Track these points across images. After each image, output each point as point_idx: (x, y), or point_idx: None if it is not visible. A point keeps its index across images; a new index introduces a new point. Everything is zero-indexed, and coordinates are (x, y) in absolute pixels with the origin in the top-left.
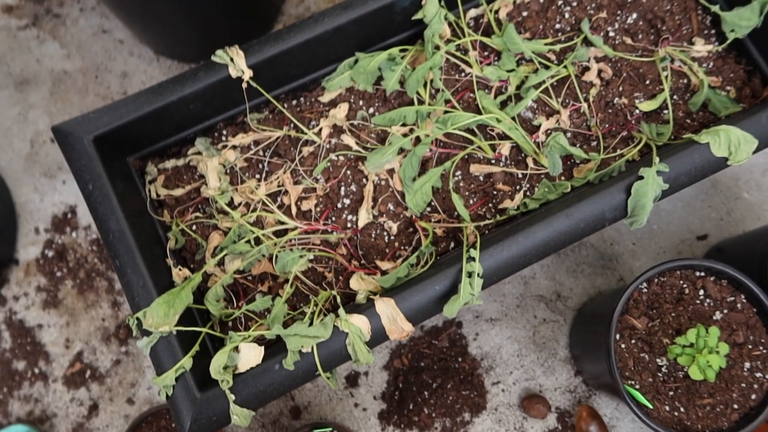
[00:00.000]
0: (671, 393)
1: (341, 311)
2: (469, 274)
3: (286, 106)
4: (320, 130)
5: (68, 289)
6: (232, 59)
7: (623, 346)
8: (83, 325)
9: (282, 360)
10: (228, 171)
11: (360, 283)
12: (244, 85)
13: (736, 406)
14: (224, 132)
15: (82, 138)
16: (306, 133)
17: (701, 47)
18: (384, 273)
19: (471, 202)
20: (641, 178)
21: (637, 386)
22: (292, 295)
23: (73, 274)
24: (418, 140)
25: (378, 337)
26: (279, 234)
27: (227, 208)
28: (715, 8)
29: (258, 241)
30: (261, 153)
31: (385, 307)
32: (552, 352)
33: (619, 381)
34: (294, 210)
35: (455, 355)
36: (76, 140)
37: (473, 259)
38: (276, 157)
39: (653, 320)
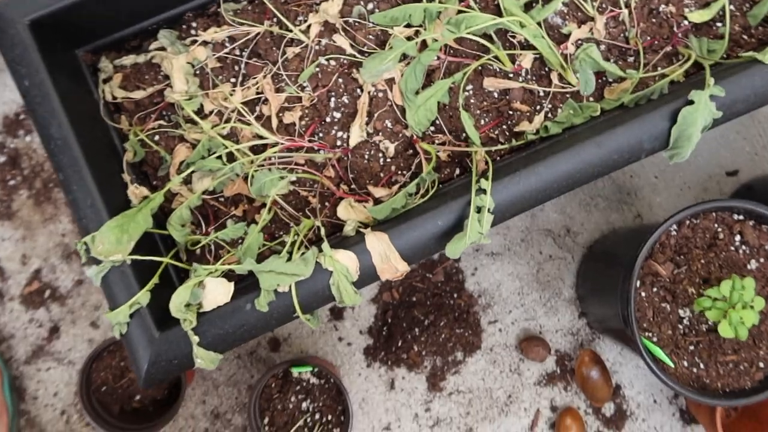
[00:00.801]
0: (691, 348)
1: (325, 245)
2: (478, 209)
3: None
4: (308, 27)
5: (23, 199)
6: None
7: (643, 294)
8: (41, 241)
9: (255, 300)
10: (197, 72)
11: (349, 212)
12: None
13: (761, 365)
14: (193, 24)
15: (16, 21)
16: (291, 31)
17: None
18: (377, 201)
19: (482, 122)
20: (690, 102)
21: (655, 339)
22: (270, 222)
23: (29, 184)
24: (424, 45)
25: (367, 276)
26: (256, 150)
27: (195, 117)
28: None
29: (231, 157)
30: (237, 52)
31: (378, 243)
32: (556, 291)
33: (636, 333)
34: (275, 122)
35: (450, 290)
36: (8, 24)
37: (484, 191)
38: (255, 58)
39: (679, 267)
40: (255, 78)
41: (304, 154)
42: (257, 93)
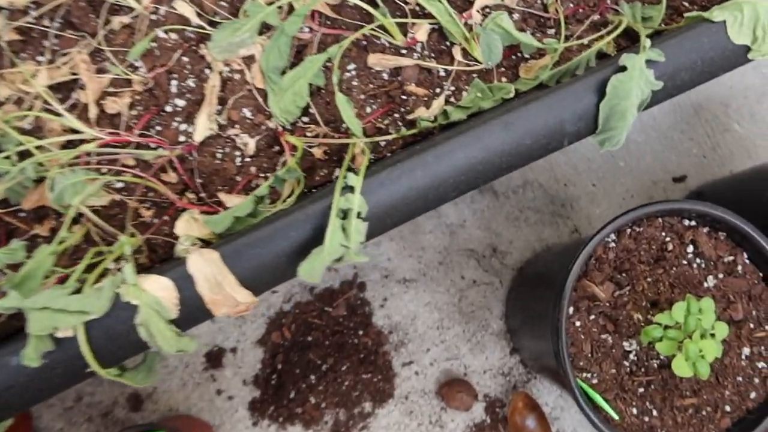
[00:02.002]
0: (641, 390)
1: (128, 269)
2: (344, 214)
3: None
4: None
5: None
6: None
7: (578, 323)
8: None
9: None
10: None
11: (190, 227)
12: None
13: (728, 408)
14: None
15: None
16: None
17: None
18: None
19: (368, 110)
20: (623, 69)
21: (595, 380)
22: (85, 242)
23: None
24: (290, 11)
25: (194, 312)
26: (70, 149)
27: None
28: None
29: (25, 155)
30: (44, 21)
31: (204, 265)
32: (482, 323)
33: (570, 374)
34: (93, 112)
35: (355, 326)
36: None
37: (350, 189)
38: (69, 30)
39: (622, 288)
40: (68, 55)
41: (132, 151)
42: (71, 74)
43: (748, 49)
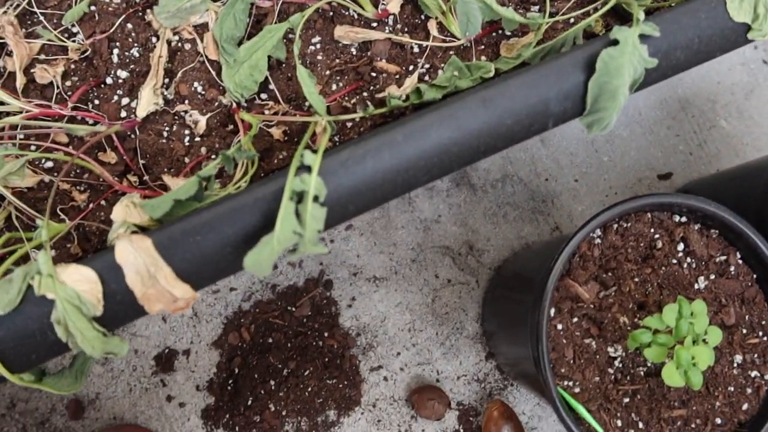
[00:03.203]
0: (626, 400)
1: (43, 257)
2: (299, 197)
3: None
4: None
5: None
6: None
7: (560, 327)
8: None
9: None
10: None
11: (129, 213)
12: None
13: (719, 421)
14: None
15: None
16: None
17: None
18: None
19: (334, 87)
20: (614, 43)
21: (577, 389)
22: (7, 227)
23: None
24: None
25: (124, 308)
26: None
27: None
28: None
29: None
30: None
31: (134, 253)
32: (457, 326)
33: (551, 382)
34: (20, 81)
35: (320, 328)
36: None
37: (307, 169)
38: None
39: (607, 288)
40: None
41: (63, 125)
42: None
43: (748, 28)
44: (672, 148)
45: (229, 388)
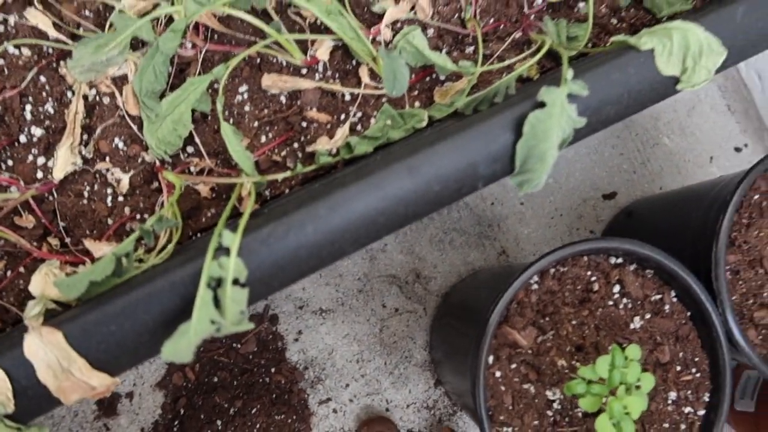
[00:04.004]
0: None
1: None
2: (217, 283)
3: None
4: None
5: None
6: None
7: (498, 374)
8: None
9: None
10: None
11: (47, 283)
12: None
13: None
14: None
15: None
16: None
17: None
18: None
19: (263, 139)
20: (541, 105)
21: None
22: None
23: None
24: (169, 24)
25: (38, 401)
26: None
27: None
28: None
29: None
30: None
31: (44, 348)
32: (405, 354)
33: (487, 429)
34: None
35: (267, 363)
36: None
37: (226, 252)
38: None
39: (545, 333)
40: None
41: None
42: None
43: (677, 80)
44: (616, 167)
45: (174, 429)
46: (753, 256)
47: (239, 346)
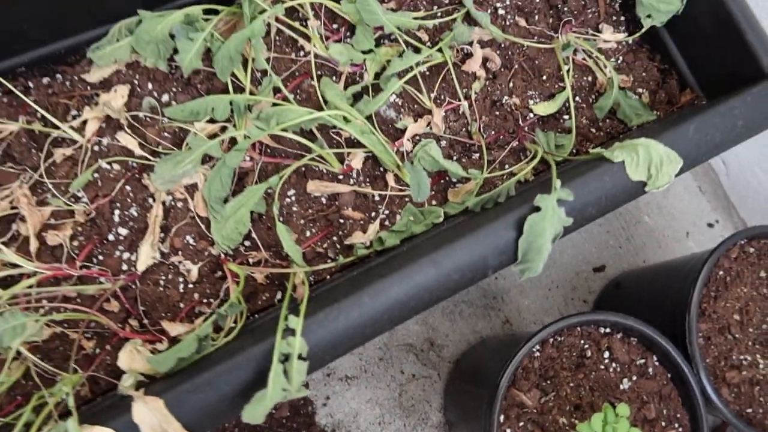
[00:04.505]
0: None
1: (71, 424)
2: (285, 357)
3: (31, 85)
4: (84, 123)
5: None
6: None
7: (508, 431)
8: None
9: None
10: None
11: (133, 358)
12: None
13: None
14: None
15: None
16: (59, 128)
17: (609, 36)
18: (174, 341)
19: (308, 234)
20: (537, 209)
21: None
22: (24, 377)
23: None
24: (232, 144)
25: None
26: (10, 284)
27: None
28: None
29: None
30: None
31: (149, 414)
32: (422, 417)
33: None
34: (34, 245)
35: (299, 427)
36: None
37: (292, 332)
38: (10, 163)
39: (547, 394)
40: (7, 188)
41: (75, 287)
42: (11, 207)
43: (644, 183)
44: (604, 243)
45: None
46: (722, 324)
47: (275, 411)
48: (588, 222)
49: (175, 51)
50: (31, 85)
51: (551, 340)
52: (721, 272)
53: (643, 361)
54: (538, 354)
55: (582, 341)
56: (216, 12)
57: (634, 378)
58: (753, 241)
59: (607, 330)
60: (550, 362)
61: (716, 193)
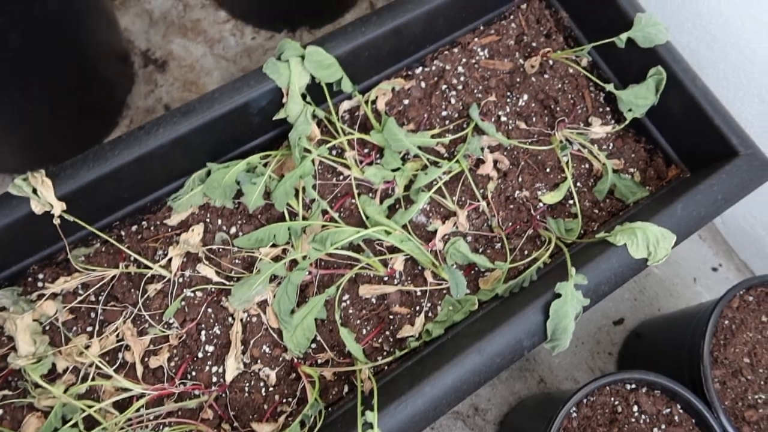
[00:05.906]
0: None
1: None
2: None
3: (123, 234)
4: (169, 260)
5: None
6: (35, 190)
7: None
8: None
9: None
10: (47, 328)
11: None
12: (56, 221)
13: None
14: (40, 276)
15: None
16: (151, 268)
17: (598, 128)
18: None
19: (364, 332)
20: (558, 296)
21: None
22: None
23: None
24: (293, 264)
25: None
26: (123, 405)
27: (43, 383)
28: (610, 87)
29: (92, 423)
30: (92, 298)
31: None
32: None
33: None
34: (140, 369)
35: None
36: None
37: (371, 425)
38: (113, 303)
39: None
40: (114, 324)
41: (179, 404)
42: (117, 340)
43: (646, 259)
44: (619, 297)
45: None
46: (734, 368)
47: None
48: (603, 298)
49: (240, 192)
50: (123, 234)
51: (585, 401)
52: (726, 321)
53: (668, 410)
54: (575, 415)
55: (612, 398)
56: (269, 155)
57: (663, 426)
58: (750, 290)
59: (633, 386)
60: (586, 421)
61: (715, 239)
